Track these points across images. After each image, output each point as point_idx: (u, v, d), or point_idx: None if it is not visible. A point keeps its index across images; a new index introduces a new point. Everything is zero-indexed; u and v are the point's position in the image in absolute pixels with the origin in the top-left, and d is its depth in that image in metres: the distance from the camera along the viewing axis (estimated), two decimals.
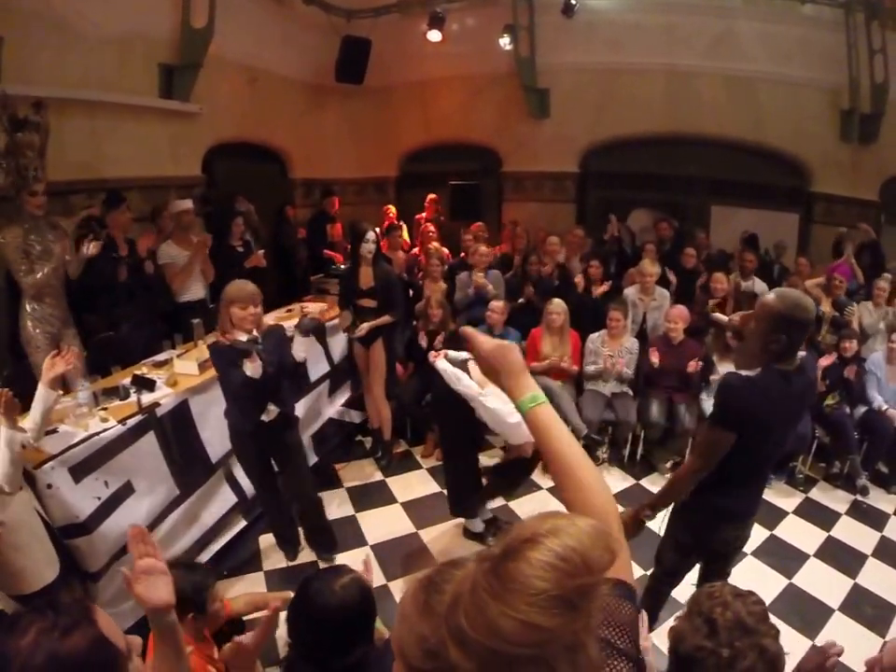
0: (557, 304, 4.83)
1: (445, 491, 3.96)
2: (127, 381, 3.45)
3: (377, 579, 3.38)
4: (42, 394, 2.54)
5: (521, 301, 5.43)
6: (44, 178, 3.74)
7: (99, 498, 2.89)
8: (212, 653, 2.12)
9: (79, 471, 2.83)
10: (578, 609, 0.62)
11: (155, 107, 5.69)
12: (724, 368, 4.67)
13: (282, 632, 3.01)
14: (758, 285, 5.46)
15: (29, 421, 2.50)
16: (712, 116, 6.89)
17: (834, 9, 6.18)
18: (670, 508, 2.48)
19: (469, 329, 1.19)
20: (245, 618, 2.60)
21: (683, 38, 6.74)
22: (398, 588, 3.42)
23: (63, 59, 4.71)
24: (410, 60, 7.76)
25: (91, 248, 3.82)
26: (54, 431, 2.89)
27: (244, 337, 3.08)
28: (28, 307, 3.75)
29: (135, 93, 5.45)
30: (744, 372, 2.17)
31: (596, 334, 4.92)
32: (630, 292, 5.38)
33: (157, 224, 5.07)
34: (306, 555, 3.77)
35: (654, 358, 4.64)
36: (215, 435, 3.65)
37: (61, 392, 2.71)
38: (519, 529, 0.68)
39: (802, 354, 2.21)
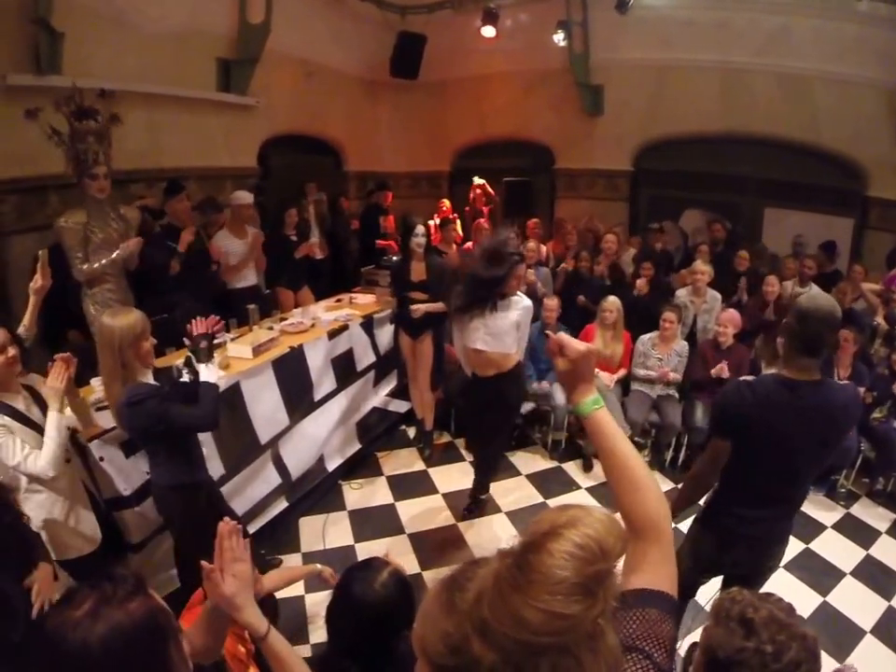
0: (612, 302, 4.82)
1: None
2: (180, 362, 3.57)
3: (411, 567, 3.47)
4: (52, 421, 2.38)
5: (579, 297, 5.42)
6: (105, 163, 3.79)
7: (148, 473, 2.96)
8: (243, 632, 2.20)
9: (130, 447, 2.95)
10: (595, 594, 0.66)
11: (212, 100, 5.88)
12: None
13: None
14: (814, 290, 5.31)
15: (45, 447, 2.35)
16: (766, 114, 6.72)
17: (891, 6, 5.94)
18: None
19: (559, 336, 1.23)
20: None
21: (736, 35, 6.60)
22: (431, 578, 3.48)
23: (122, 53, 4.90)
24: (463, 55, 7.80)
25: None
26: (105, 408, 2.97)
27: (149, 376, 2.61)
28: (89, 290, 3.85)
29: (193, 87, 5.63)
30: (743, 378, 2.16)
31: (647, 336, 4.85)
32: (682, 293, 5.30)
33: (206, 215, 5.21)
34: (343, 538, 3.86)
35: (720, 371, 4.46)
36: (265, 417, 3.78)
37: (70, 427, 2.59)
38: (538, 523, 0.72)
39: (845, 382, 2.12)
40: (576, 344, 1.20)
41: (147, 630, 0.94)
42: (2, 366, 2.33)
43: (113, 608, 0.92)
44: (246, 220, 4.97)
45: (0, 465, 2.27)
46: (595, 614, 0.66)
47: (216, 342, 3.94)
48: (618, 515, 1.06)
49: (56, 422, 2.37)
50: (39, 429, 2.40)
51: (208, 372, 2.72)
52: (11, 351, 2.36)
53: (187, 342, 2.88)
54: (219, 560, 1.34)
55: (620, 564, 0.70)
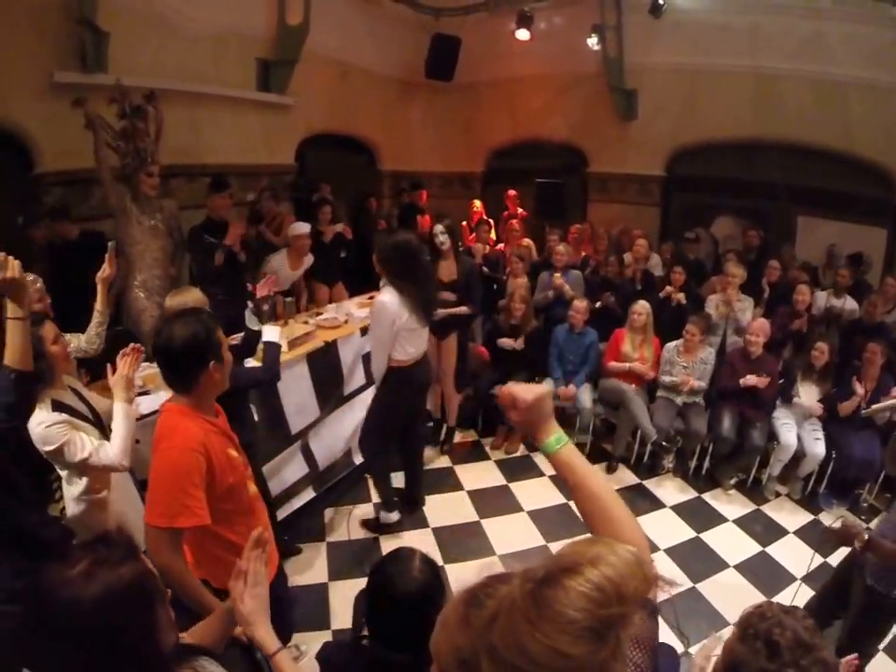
0: (641, 305, 4.81)
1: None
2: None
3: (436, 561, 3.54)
4: (121, 411, 2.30)
5: (597, 305, 5.37)
6: (158, 162, 4.04)
7: None
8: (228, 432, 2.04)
9: None
10: (605, 638, 0.65)
11: (251, 99, 6.05)
12: (805, 387, 4.55)
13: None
14: (849, 303, 5.26)
15: (114, 437, 2.27)
16: (799, 121, 6.61)
17: None
18: None
19: (508, 388, 1.19)
20: None
21: (770, 40, 6.53)
22: (453, 570, 3.53)
23: (165, 53, 5.08)
24: (497, 58, 7.86)
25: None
26: (146, 393, 3.13)
27: None
28: (139, 277, 3.98)
29: (233, 86, 5.80)
30: None
31: (673, 344, 4.79)
32: (714, 299, 5.19)
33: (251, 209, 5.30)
34: (367, 531, 3.94)
35: (754, 381, 4.43)
36: (297, 408, 3.88)
37: (138, 408, 2.58)
38: (563, 555, 0.72)
39: None
40: (525, 394, 1.17)
41: (137, 592, 1.01)
42: (59, 357, 2.26)
43: (105, 570, 0.99)
44: (303, 252, 5.01)
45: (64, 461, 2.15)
46: (602, 657, 0.65)
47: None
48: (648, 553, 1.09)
49: (124, 411, 2.29)
50: (91, 423, 2.33)
51: (271, 333, 2.86)
52: (63, 343, 2.36)
53: (250, 304, 3.07)
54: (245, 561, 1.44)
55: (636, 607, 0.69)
